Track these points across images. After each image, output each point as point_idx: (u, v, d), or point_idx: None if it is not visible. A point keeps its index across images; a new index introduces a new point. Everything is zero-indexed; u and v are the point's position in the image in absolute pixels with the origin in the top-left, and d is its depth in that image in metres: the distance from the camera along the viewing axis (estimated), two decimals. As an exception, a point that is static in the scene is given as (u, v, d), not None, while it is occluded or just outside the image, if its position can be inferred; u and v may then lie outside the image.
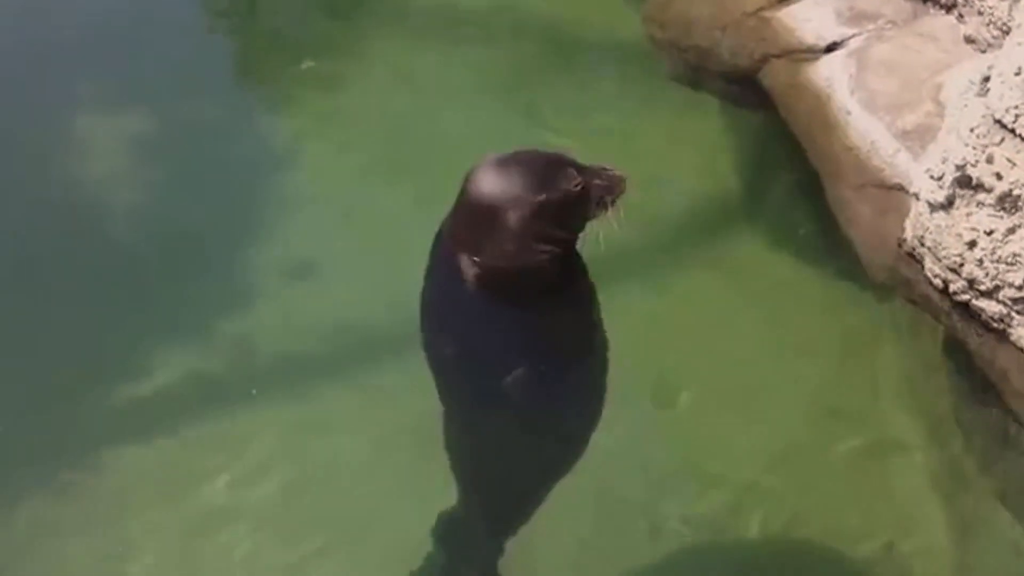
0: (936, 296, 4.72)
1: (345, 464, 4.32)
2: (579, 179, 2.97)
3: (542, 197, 2.93)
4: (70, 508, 4.19)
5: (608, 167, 3.04)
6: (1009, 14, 4.93)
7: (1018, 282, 4.38)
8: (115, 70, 6.20)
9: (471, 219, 2.97)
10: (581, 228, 3.05)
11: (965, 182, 4.46)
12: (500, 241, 2.93)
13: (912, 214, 4.82)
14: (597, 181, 3.01)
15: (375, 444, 4.27)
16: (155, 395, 4.57)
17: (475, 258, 2.96)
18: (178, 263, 5.11)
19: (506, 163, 2.99)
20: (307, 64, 6.22)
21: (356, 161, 5.60)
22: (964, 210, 4.50)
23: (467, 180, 2.98)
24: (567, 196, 2.96)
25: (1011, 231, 4.37)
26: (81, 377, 4.61)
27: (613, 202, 3.04)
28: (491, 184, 2.95)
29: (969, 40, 5.30)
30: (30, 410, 4.49)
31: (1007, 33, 4.81)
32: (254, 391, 4.47)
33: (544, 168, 2.98)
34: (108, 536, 4.15)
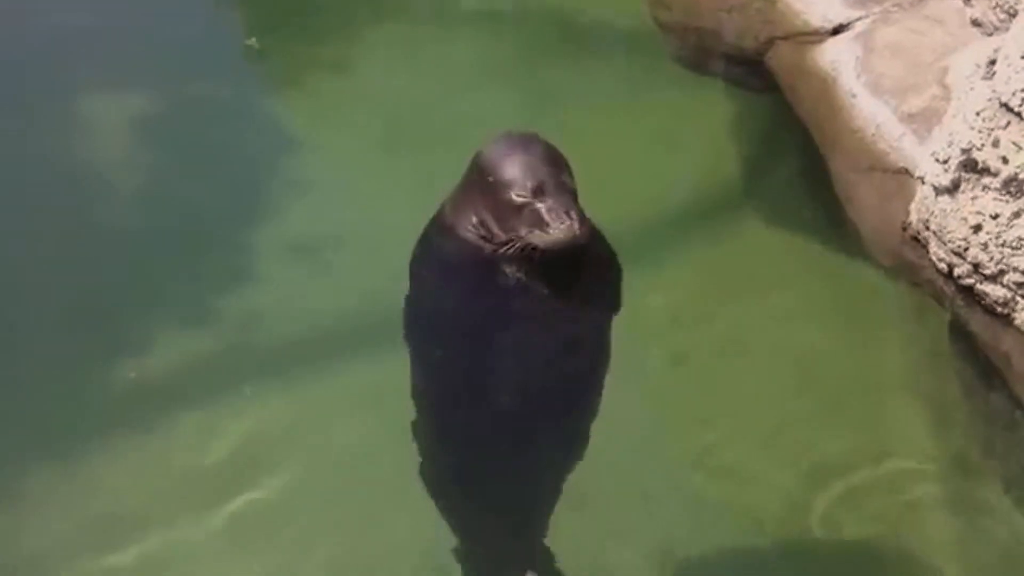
0: (940, 280, 4.71)
1: (348, 446, 4.32)
2: (526, 195, 2.88)
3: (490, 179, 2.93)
4: (68, 489, 4.19)
5: (570, 216, 2.86)
6: (1016, -3, 4.92)
7: (1023, 266, 4.37)
8: (120, 52, 6.18)
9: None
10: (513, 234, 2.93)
11: (971, 166, 4.45)
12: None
13: (917, 198, 4.81)
14: (540, 206, 2.88)
15: (380, 426, 4.26)
16: (157, 376, 4.57)
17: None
18: (181, 244, 5.11)
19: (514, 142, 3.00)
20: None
21: (361, 143, 5.60)
22: (969, 194, 4.49)
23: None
24: (508, 199, 2.91)
25: (1016, 215, 4.36)
26: (82, 357, 4.61)
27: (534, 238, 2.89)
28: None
29: (976, 23, 5.27)
30: (30, 390, 4.49)
31: (1014, 16, 4.79)
32: (248, 391, 4.46)
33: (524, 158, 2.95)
34: (106, 517, 4.14)
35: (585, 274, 3.03)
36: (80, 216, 5.23)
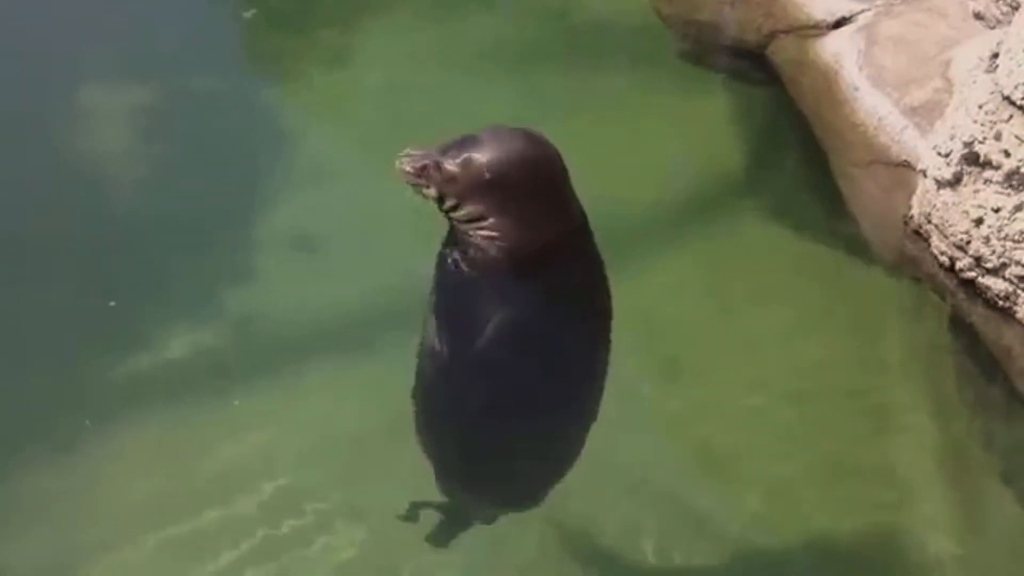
0: (942, 273, 4.71)
1: (350, 440, 4.32)
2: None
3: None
4: (71, 482, 4.19)
5: (413, 156, 3.13)
6: (1019, -10, 4.90)
7: (1025, 260, 4.37)
8: (121, 44, 6.17)
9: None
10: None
11: (973, 159, 4.45)
12: None
13: (919, 191, 4.81)
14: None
15: (381, 419, 4.26)
16: (157, 369, 4.56)
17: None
18: (181, 238, 5.09)
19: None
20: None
21: (361, 137, 5.58)
22: (971, 187, 4.49)
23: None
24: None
25: (1018, 208, 4.36)
26: (83, 351, 4.60)
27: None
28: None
29: (978, 16, 5.26)
30: (31, 385, 4.49)
31: (1016, 9, 4.78)
32: (236, 402, 4.46)
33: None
34: (108, 511, 4.14)
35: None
36: (78, 208, 5.22)
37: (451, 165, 3.03)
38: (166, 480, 4.23)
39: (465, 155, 3.02)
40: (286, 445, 4.33)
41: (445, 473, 3.46)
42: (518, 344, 3.11)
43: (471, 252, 3.06)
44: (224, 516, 4.13)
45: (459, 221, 3.07)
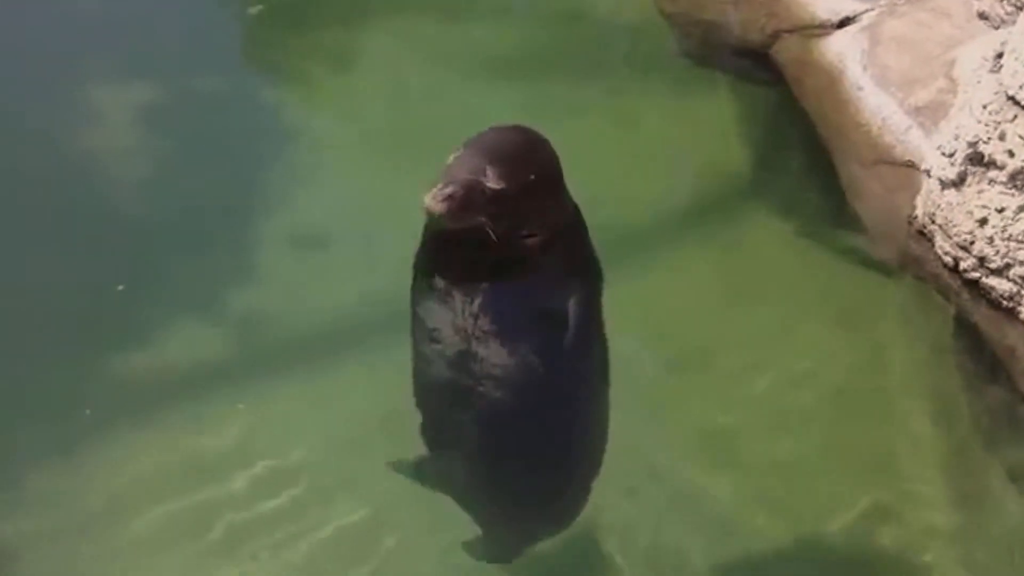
0: (946, 274, 4.70)
1: (354, 439, 4.32)
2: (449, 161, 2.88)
3: None
4: (71, 482, 4.20)
5: (443, 190, 2.79)
6: (1023, -10, 4.90)
7: (1029, 261, 4.37)
8: (125, 41, 6.18)
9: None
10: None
11: (977, 159, 4.45)
12: None
13: (923, 191, 4.81)
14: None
15: (382, 418, 4.26)
16: (160, 369, 4.56)
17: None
18: (184, 236, 5.10)
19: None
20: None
21: (364, 136, 5.59)
22: (975, 187, 4.48)
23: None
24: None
25: (1022, 209, 4.36)
26: (85, 351, 4.60)
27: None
28: None
29: (982, 16, 5.26)
30: (33, 383, 4.49)
31: (1021, 9, 4.78)
32: (237, 401, 4.45)
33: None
34: (105, 510, 4.15)
35: (513, 294, 2.95)
36: (80, 206, 5.22)
37: (493, 182, 2.79)
38: (163, 480, 4.23)
39: (495, 167, 2.81)
40: (287, 445, 4.33)
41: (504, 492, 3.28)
42: (595, 322, 3.05)
43: (515, 259, 2.89)
44: (223, 518, 4.14)
45: (512, 237, 2.85)
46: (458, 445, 3.16)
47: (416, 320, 3.10)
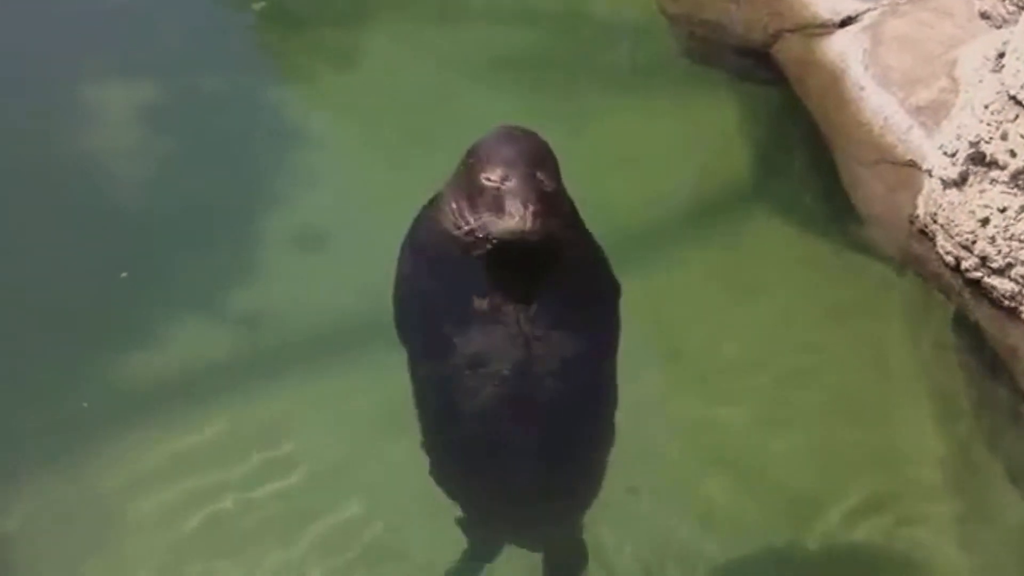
0: (948, 273, 4.70)
1: (354, 439, 4.32)
2: (495, 180, 2.80)
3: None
4: (73, 484, 4.20)
5: (526, 207, 2.74)
6: (1025, -11, 4.90)
7: (1030, 260, 4.36)
8: (126, 41, 6.19)
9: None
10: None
11: (979, 159, 4.45)
12: None
13: (925, 191, 4.80)
14: (504, 193, 2.78)
15: (384, 417, 4.26)
16: (163, 368, 4.57)
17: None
18: (185, 235, 5.11)
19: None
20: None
21: (367, 135, 5.60)
22: (977, 187, 4.48)
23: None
24: (479, 182, 2.84)
25: (1024, 208, 4.36)
26: (87, 350, 4.61)
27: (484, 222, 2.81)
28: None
29: (984, 16, 5.25)
30: (35, 382, 4.49)
31: (1022, 9, 4.77)
32: (237, 400, 4.44)
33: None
34: (106, 511, 4.15)
35: (559, 289, 2.93)
36: (80, 205, 5.23)
37: (547, 185, 2.80)
38: (165, 480, 4.23)
39: (541, 170, 2.80)
40: (296, 446, 4.33)
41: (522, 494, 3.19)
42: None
43: (559, 255, 2.89)
44: (225, 517, 4.14)
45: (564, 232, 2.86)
46: (513, 465, 3.09)
47: (436, 369, 3.05)
